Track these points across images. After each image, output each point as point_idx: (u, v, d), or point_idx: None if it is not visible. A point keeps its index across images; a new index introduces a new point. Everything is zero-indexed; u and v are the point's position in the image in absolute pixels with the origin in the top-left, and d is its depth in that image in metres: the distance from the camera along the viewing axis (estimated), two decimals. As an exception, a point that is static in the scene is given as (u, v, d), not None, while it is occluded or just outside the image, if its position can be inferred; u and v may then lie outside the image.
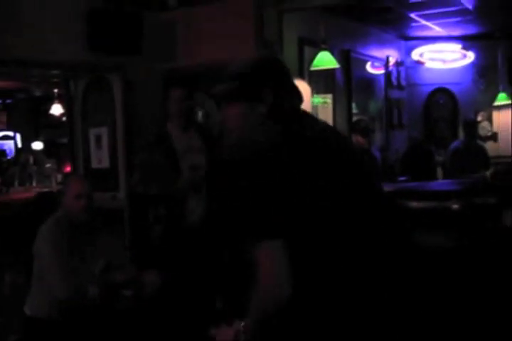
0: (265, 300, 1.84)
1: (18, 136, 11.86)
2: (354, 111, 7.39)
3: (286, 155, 1.88)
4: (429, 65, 8.93)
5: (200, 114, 5.81)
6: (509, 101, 8.54)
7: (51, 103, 10.21)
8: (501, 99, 8.52)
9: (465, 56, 8.72)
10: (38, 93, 10.88)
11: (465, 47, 8.64)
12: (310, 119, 2.09)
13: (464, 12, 6.88)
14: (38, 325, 3.42)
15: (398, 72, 8.51)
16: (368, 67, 7.85)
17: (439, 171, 7.75)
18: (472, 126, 7.67)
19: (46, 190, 8.48)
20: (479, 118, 8.69)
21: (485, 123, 8.79)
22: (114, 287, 3.44)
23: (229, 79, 2.06)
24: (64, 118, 8.14)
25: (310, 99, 6.10)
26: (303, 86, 5.41)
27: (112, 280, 3.45)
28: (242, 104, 2.00)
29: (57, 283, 3.28)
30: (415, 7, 6.67)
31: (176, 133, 4.34)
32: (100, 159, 5.84)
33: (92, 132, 5.90)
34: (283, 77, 2.06)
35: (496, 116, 8.79)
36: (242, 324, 1.88)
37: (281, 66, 2.10)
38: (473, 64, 8.75)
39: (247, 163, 1.98)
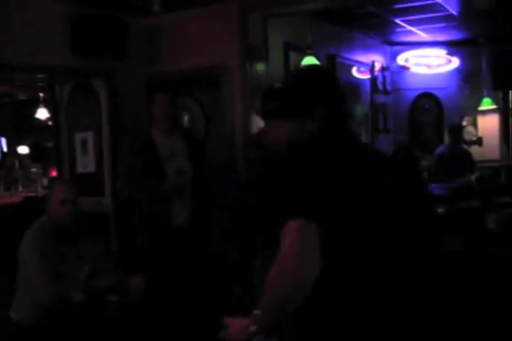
0: (280, 278, 1.72)
1: (4, 140, 11.78)
2: (340, 115, 7.40)
3: (332, 155, 1.86)
4: (414, 70, 8.98)
5: (185, 119, 5.81)
6: (493, 106, 8.60)
7: (36, 107, 10.15)
8: (486, 104, 8.57)
9: (450, 61, 8.78)
10: (23, 97, 10.82)
11: (450, 53, 8.70)
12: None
13: (448, 18, 6.93)
14: (23, 331, 3.40)
15: (384, 77, 8.56)
16: (354, 72, 7.89)
17: (425, 176, 7.78)
18: (457, 130, 7.73)
19: (32, 194, 8.41)
20: (464, 123, 8.74)
21: (470, 128, 8.84)
22: (100, 292, 3.43)
23: (277, 95, 2.00)
24: (50, 123, 8.11)
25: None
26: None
27: (97, 285, 3.44)
28: (290, 122, 1.94)
29: (41, 289, 3.27)
30: (400, 12, 6.71)
31: (161, 138, 4.35)
32: (86, 164, 5.82)
33: (78, 136, 5.88)
34: (334, 91, 1.98)
35: (481, 120, 8.84)
36: (256, 312, 1.80)
37: (332, 79, 2.02)
38: (458, 69, 8.80)
39: (293, 157, 1.92)
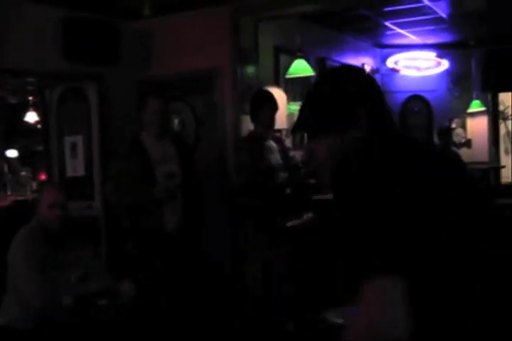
0: None
1: (-7, 144, 11.72)
2: (330, 118, 7.39)
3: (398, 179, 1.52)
4: (404, 72, 9.00)
5: (176, 122, 5.80)
6: (483, 109, 8.64)
7: (26, 110, 10.11)
8: (475, 106, 8.61)
9: (439, 64, 8.80)
10: (12, 101, 10.77)
11: (439, 55, 8.72)
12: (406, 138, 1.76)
13: (438, 20, 6.95)
14: (11, 335, 3.38)
15: (373, 80, 8.56)
16: (344, 75, 7.88)
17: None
18: (446, 132, 7.76)
19: (21, 198, 8.36)
20: (453, 125, 8.76)
21: (459, 130, 8.87)
22: (89, 296, 3.41)
23: (311, 109, 1.72)
24: (39, 126, 8.07)
25: (286, 107, 6.12)
26: (279, 93, 5.42)
27: (86, 289, 3.43)
28: (331, 137, 1.66)
29: (30, 293, 3.25)
30: (390, 15, 6.73)
31: (151, 142, 4.33)
32: (75, 167, 5.80)
33: (68, 140, 5.86)
34: (373, 89, 1.71)
35: (470, 123, 8.88)
36: None
37: (367, 77, 1.77)
38: (447, 71, 8.83)
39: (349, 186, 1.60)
